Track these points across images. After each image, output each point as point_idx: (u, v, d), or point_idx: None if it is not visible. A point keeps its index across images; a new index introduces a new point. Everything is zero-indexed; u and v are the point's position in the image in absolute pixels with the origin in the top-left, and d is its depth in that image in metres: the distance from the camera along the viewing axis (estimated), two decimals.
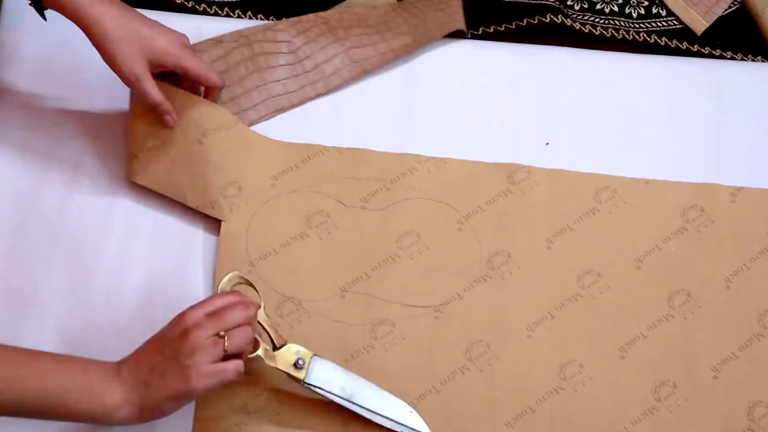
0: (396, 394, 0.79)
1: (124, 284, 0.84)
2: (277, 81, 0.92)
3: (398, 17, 0.97)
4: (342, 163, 0.90)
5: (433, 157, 0.90)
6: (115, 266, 0.84)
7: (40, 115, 0.90)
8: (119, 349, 0.81)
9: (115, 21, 0.77)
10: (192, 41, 0.87)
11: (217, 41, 0.92)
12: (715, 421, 0.79)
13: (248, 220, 0.87)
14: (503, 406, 0.80)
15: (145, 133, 0.86)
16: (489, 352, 0.82)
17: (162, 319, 0.83)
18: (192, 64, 0.82)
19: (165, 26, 0.82)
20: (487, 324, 0.83)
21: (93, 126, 0.90)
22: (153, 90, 0.81)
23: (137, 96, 0.83)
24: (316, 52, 0.93)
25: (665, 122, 0.93)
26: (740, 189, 0.89)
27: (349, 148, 0.90)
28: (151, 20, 0.81)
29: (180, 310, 0.79)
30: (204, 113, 0.86)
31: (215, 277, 0.84)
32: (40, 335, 0.80)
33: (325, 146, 0.90)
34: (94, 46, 0.79)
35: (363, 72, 0.94)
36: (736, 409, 0.80)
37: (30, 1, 0.80)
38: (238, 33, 0.93)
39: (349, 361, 0.81)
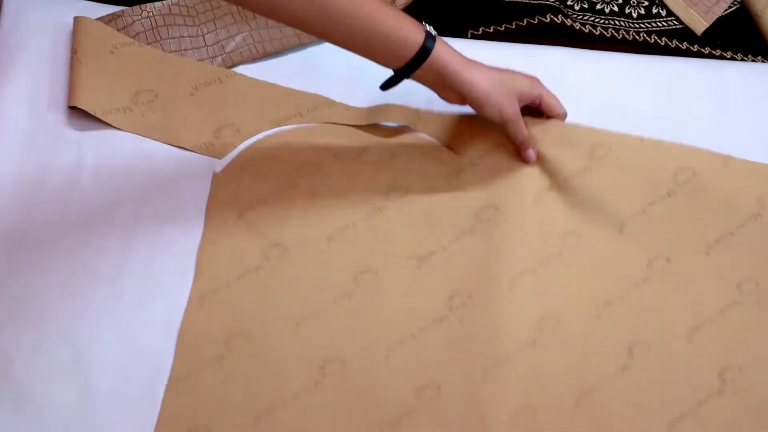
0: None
1: (124, 283, 0.83)
2: (178, 51, 0.94)
3: None
4: (346, 119, 0.91)
5: (432, 112, 0.91)
6: (116, 266, 0.84)
7: (42, 114, 0.90)
8: (119, 348, 0.81)
9: (484, 76, 0.83)
10: None
11: (116, 15, 0.94)
12: (687, 381, 0.80)
13: (241, 167, 0.88)
14: (479, 356, 0.80)
15: (137, 89, 0.89)
16: (470, 303, 0.82)
17: (162, 318, 0.83)
18: (549, 97, 0.87)
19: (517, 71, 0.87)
20: (469, 275, 0.83)
21: (95, 124, 0.90)
22: (523, 128, 0.86)
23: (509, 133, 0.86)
24: (220, 28, 0.95)
25: (665, 122, 0.93)
26: (733, 158, 0.88)
27: (355, 107, 0.92)
28: (504, 69, 0.86)
29: (180, 310, 0.79)
30: (197, 68, 0.90)
31: (206, 221, 0.85)
32: (41, 334, 0.81)
33: (333, 100, 0.92)
34: (470, 102, 0.84)
35: (264, 53, 0.95)
36: (707, 372, 0.80)
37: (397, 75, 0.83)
38: (139, 7, 0.95)
39: (330, 306, 0.82)
